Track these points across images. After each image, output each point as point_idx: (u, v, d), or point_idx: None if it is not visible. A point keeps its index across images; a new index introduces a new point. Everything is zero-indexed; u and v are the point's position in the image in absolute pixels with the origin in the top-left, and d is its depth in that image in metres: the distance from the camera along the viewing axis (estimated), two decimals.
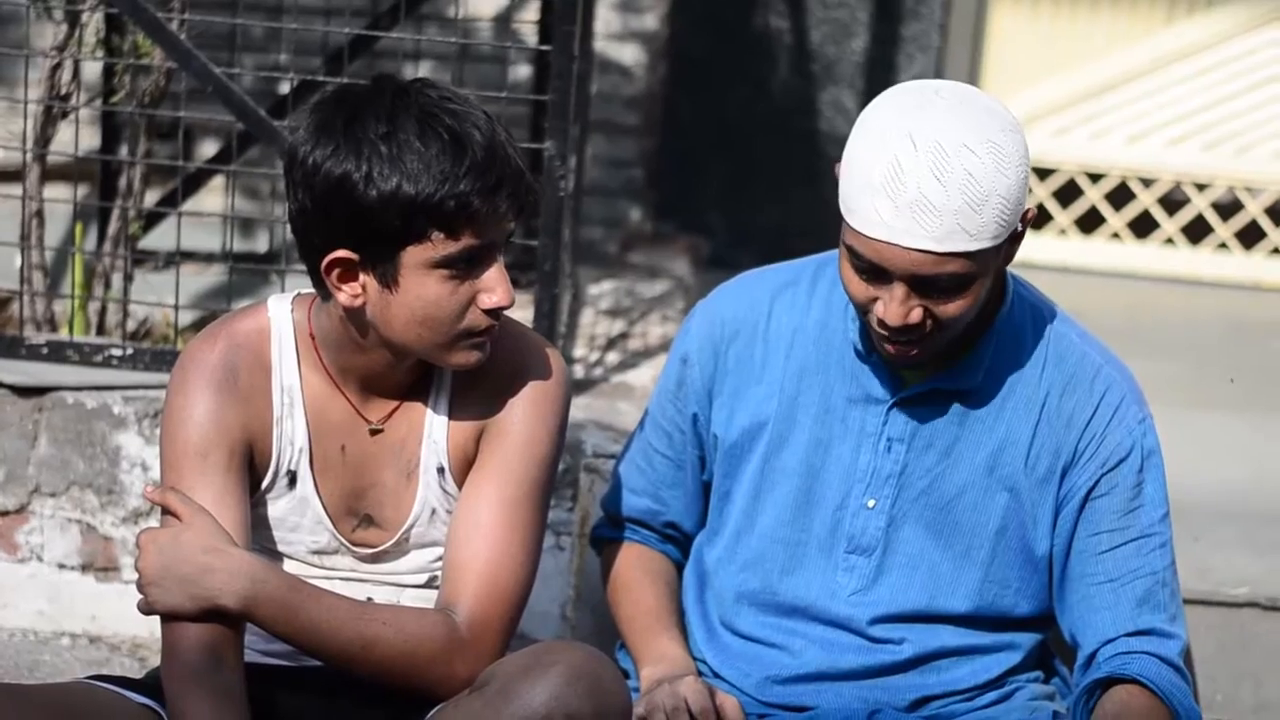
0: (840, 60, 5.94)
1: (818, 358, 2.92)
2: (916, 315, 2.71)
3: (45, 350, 3.98)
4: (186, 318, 4.32)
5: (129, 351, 3.97)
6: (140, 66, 4.16)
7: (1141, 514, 2.89)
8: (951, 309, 2.72)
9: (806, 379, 2.92)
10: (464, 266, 2.60)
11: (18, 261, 4.14)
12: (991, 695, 2.95)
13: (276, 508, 2.76)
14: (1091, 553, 2.88)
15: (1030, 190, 6.09)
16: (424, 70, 5.18)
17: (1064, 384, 2.88)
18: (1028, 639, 2.97)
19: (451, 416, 2.75)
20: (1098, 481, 2.88)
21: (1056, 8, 6.15)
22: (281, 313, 2.75)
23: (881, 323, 2.73)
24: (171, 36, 3.93)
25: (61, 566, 3.94)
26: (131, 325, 4.25)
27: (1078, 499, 2.88)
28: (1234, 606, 3.63)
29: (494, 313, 2.64)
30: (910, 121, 2.66)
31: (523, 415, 2.75)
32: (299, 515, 2.76)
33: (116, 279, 4.20)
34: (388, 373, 2.72)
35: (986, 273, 2.73)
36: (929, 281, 2.69)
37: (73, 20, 4.08)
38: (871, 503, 2.90)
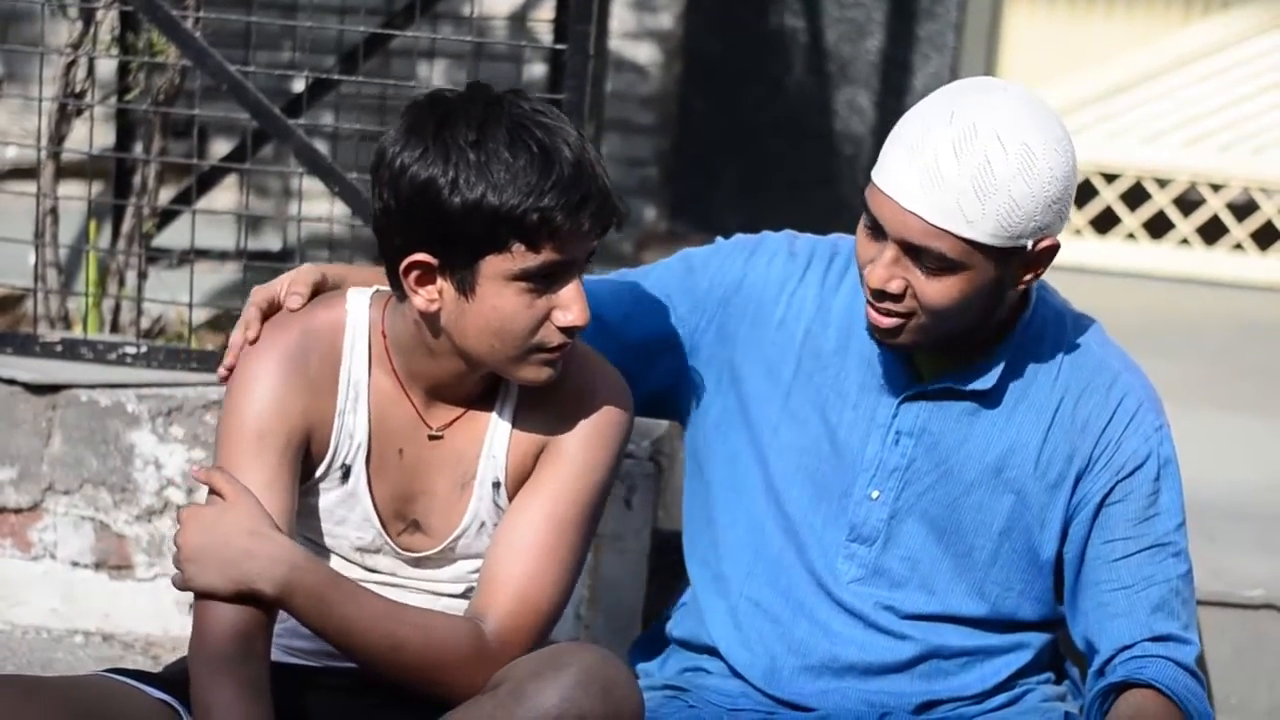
0: (855, 60, 5.93)
1: (837, 341, 2.91)
2: (897, 285, 2.71)
3: (59, 348, 3.98)
4: (200, 316, 4.32)
5: (143, 349, 3.97)
6: (155, 64, 4.16)
7: (1157, 522, 2.88)
8: (932, 292, 2.71)
9: (823, 359, 2.91)
10: (542, 281, 2.59)
11: (32, 259, 4.15)
12: (1001, 698, 2.94)
13: (326, 499, 2.75)
14: (1105, 559, 2.88)
15: None
16: (438, 69, 5.18)
17: (1080, 389, 2.87)
18: (1037, 639, 2.96)
19: (514, 433, 2.75)
20: (1112, 488, 2.87)
21: (1072, 7, 6.14)
22: (359, 307, 2.74)
23: (867, 284, 2.74)
24: (186, 34, 3.93)
25: (75, 564, 3.93)
26: (145, 323, 4.25)
27: (1092, 505, 2.87)
28: (1249, 608, 3.62)
29: (569, 331, 2.63)
30: (961, 100, 2.69)
31: (585, 439, 2.74)
32: (347, 509, 2.75)
33: (130, 277, 4.19)
34: (455, 382, 2.71)
35: (980, 273, 2.71)
36: (917, 251, 2.69)
37: (87, 18, 4.08)
38: (875, 494, 2.89)
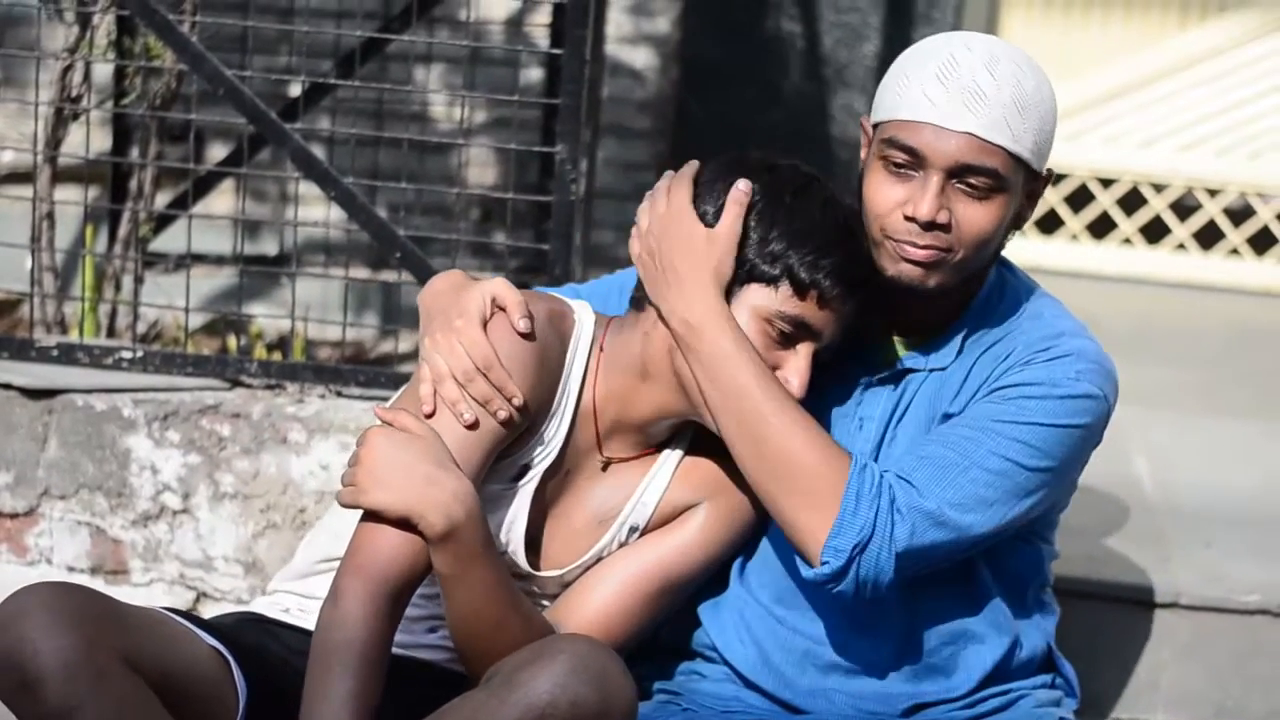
0: (852, 65, 5.93)
1: None
2: (945, 216, 2.75)
3: (55, 352, 3.97)
4: (196, 320, 4.32)
5: (139, 354, 3.97)
6: (151, 69, 4.16)
7: (1004, 428, 2.77)
8: (977, 218, 2.75)
9: None
10: (785, 333, 2.70)
11: (28, 264, 4.14)
12: (994, 702, 2.94)
13: (490, 488, 2.74)
14: (934, 431, 2.82)
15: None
16: (435, 73, 5.18)
17: (1026, 348, 2.86)
18: (1022, 624, 2.95)
19: (669, 488, 2.83)
20: (991, 392, 2.81)
21: (1069, 12, 6.14)
22: (586, 316, 2.81)
23: (910, 220, 2.74)
24: (183, 38, 3.93)
25: (71, 569, 3.93)
26: (142, 328, 4.25)
27: (964, 403, 2.84)
28: (1245, 614, 3.62)
29: None
30: (962, 38, 2.81)
31: (725, 514, 2.84)
32: (499, 506, 2.76)
33: (127, 281, 4.19)
34: (646, 420, 2.78)
35: (1012, 198, 2.78)
36: (968, 170, 2.73)
37: (84, 22, 4.08)
38: None
